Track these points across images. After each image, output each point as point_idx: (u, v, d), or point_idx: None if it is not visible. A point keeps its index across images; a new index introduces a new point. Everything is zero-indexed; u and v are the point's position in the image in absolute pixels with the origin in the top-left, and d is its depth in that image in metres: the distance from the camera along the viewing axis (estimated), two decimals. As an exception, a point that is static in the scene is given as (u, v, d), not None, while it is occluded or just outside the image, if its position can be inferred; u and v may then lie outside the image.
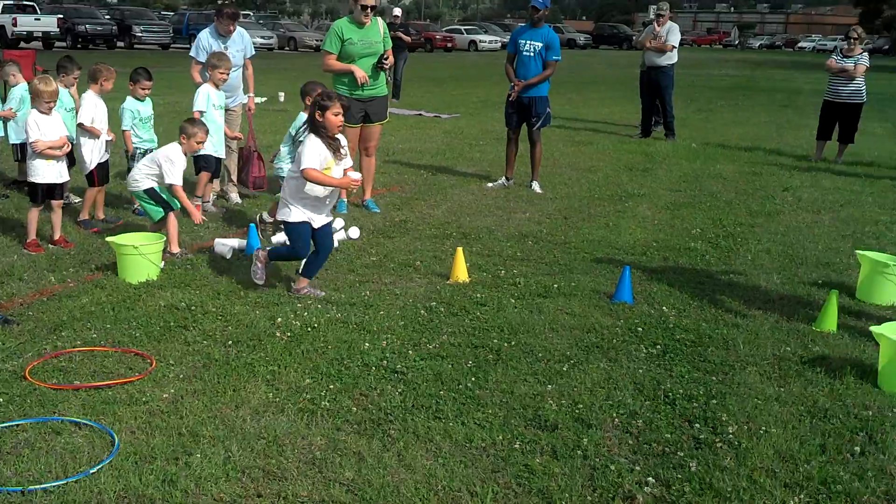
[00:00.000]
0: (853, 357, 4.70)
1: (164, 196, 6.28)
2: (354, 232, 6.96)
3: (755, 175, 10.40)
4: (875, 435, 3.80)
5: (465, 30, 58.21)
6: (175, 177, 6.17)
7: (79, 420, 3.74)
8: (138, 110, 7.30)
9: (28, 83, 7.10)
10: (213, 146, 7.34)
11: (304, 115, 6.58)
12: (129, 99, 7.31)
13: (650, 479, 3.38)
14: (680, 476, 3.41)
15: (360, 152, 8.01)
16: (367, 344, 4.68)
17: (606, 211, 8.26)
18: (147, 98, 7.40)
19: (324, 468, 3.42)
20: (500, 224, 7.64)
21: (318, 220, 5.42)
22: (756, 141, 13.60)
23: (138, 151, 7.25)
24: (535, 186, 9.23)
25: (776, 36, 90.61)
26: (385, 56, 7.68)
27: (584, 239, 7.13)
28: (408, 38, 18.81)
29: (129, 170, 7.12)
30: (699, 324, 5.17)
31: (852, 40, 11.40)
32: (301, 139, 5.47)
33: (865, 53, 11.48)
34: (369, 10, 7.56)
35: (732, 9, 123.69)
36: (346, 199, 8.05)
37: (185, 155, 6.34)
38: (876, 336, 4.39)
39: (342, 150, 5.39)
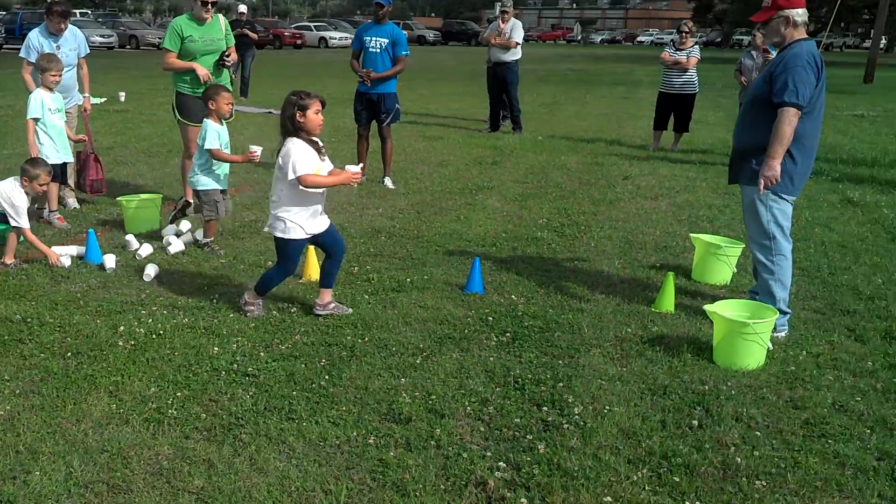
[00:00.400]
0: (690, 335, 4.97)
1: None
2: (202, 234, 6.78)
3: (597, 165, 10.81)
4: (711, 408, 4.03)
5: (314, 26, 57.68)
6: (21, 221, 5.88)
7: None
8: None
9: None
10: (57, 152, 7.00)
11: (209, 122, 6.38)
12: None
13: (501, 463, 3.47)
14: (529, 459, 3.52)
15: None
16: (216, 348, 4.58)
17: (458, 204, 8.39)
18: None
19: (172, 478, 3.33)
20: (352, 220, 7.62)
21: (319, 226, 5.10)
22: (598, 132, 14.13)
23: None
24: (388, 182, 9.27)
25: (616, 31, 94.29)
26: (227, 53, 7.52)
27: (436, 232, 7.22)
28: (254, 36, 18.44)
29: None
30: (546, 310, 5.33)
31: (684, 34, 12.02)
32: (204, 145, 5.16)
33: (697, 46, 12.12)
34: (209, 6, 7.37)
35: (575, 5, 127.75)
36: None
37: (28, 195, 5.99)
38: (709, 314, 4.65)
39: (324, 150, 5.03)
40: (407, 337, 4.85)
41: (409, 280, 5.86)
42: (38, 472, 3.32)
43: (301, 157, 4.81)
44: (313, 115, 4.86)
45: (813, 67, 4.69)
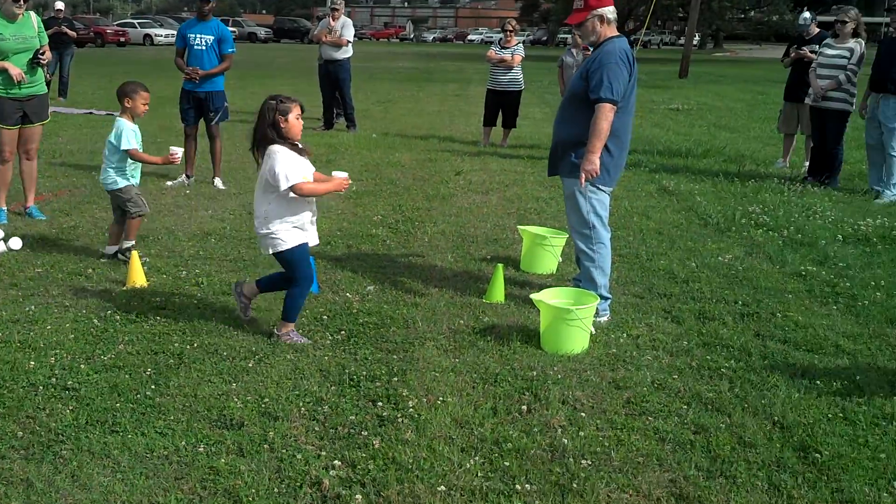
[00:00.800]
0: (519, 324, 5.13)
1: None
2: (16, 243, 6.39)
3: (430, 161, 10.95)
4: (539, 393, 4.17)
5: (138, 23, 55.37)
6: None
7: None
8: None
9: None
10: None
11: (123, 121, 6.05)
12: None
13: (336, 461, 3.47)
14: (365, 455, 3.53)
15: (19, 156, 7.35)
16: (32, 362, 4.32)
17: (290, 204, 8.27)
18: None
19: (-16, 502, 3.13)
20: (180, 223, 7.39)
21: (312, 239, 4.86)
22: (431, 130, 14.32)
23: None
24: (218, 183, 9.04)
25: (448, 29, 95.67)
26: (41, 51, 7.11)
27: (268, 233, 7.09)
28: (73, 34, 17.51)
29: None
30: (381, 306, 5.36)
31: (508, 32, 12.36)
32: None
33: (521, 44, 12.49)
34: (21, 2, 6.96)
35: (406, 3, 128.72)
36: (5, 208, 7.38)
37: None
38: (535, 302, 4.82)
39: (308, 155, 4.81)
40: (239, 341, 4.75)
41: (240, 282, 5.74)
42: None
43: (291, 166, 4.57)
44: (294, 120, 4.66)
45: (625, 63, 4.95)
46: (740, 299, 5.63)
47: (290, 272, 4.76)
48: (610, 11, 5.05)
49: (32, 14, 7.24)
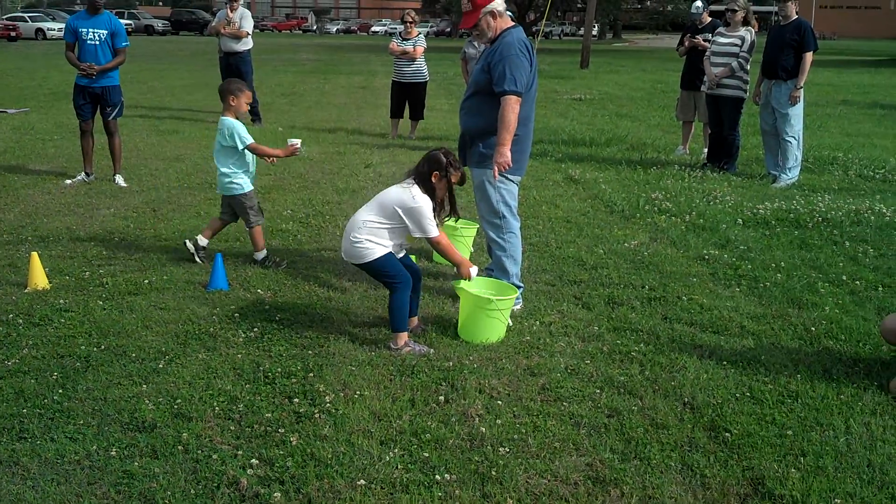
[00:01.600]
0: (434, 315, 5.16)
1: None
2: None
3: (339, 154, 10.89)
4: (456, 383, 4.21)
5: (29, 17, 53.22)
6: None
7: None
8: None
9: None
10: None
11: (230, 119, 5.77)
12: None
13: (254, 460, 3.43)
14: (283, 452, 3.51)
15: None
16: (-72, 371, 4.15)
17: (197, 200, 8.12)
18: None
19: None
20: (82, 223, 7.16)
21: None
22: (338, 122, 14.22)
23: None
24: (119, 180, 8.80)
25: (351, 21, 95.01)
26: None
27: (174, 230, 6.96)
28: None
29: None
30: (294, 302, 5.32)
31: (408, 24, 12.36)
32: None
33: (421, 35, 12.51)
34: None
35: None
36: None
37: None
38: (457, 290, 4.84)
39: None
40: (148, 341, 4.65)
41: (147, 281, 5.61)
42: None
43: (430, 218, 4.60)
44: (445, 186, 4.67)
45: (525, 54, 5.02)
46: (647, 284, 5.79)
47: (388, 278, 4.64)
48: (499, 4, 5.11)
49: None
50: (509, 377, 4.31)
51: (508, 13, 5.40)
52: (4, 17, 55.05)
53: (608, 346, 4.74)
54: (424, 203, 4.57)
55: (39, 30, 50.26)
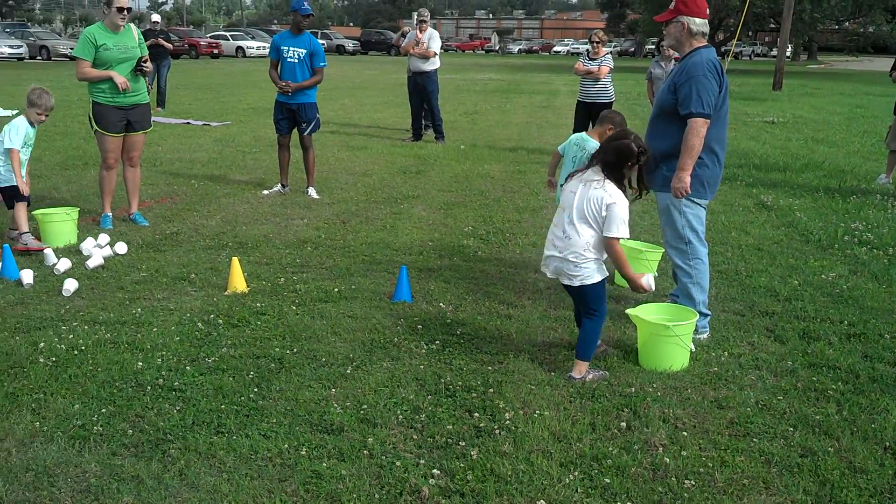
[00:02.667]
0: (616, 339, 5.06)
1: None
2: (121, 247, 6.63)
3: (520, 173, 10.94)
4: (639, 410, 4.10)
5: (231, 36, 56.97)
6: None
7: None
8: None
9: None
10: None
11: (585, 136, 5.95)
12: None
13: (435, 470, 3.48)
14: (463, 465, 3.53)
15: (123, 163, 7.66)
16: (140, 363, 4.47)
17: (383, 213, 8.38)
18: None
19: (100, 495, 3.24)
20: (277, 231, 7.55)
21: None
22: (519, 141, 14.30)
23: None
24: (312, 192, 9.21)
25: (533, 41, 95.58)
26: (144, 60, 7.39)
27: (362, 242, 7.20)
28: (169, 45, 18.07)
29: None
30: (475, 317, 5.37)
31: (595, 44, 12.26)
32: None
33: (609, 55, 12.37)
34: (125, 12, 7.27)
35: (492, 15, 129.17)
36: (111, 214, 7.67)
37: None
38: (632, 318, 4.75)
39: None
40: (336, 347, 4.82)
41: (336, 290, 5.83)
42: (-45, 497, 3.19)
43: (626, 218, 4.30)
44: (632, 174, 4.43)
45: (714, 75, 4.85)
46: (846, 319, 5.44)
47: (593, 306, 4.45)
48: (696, 23, 4.94)
49: (133, 26, 7.56)
50: (695, 408, 4.15)
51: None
52: (208, 35, 59.11)
53: (803, 382, 4.48)
54: (621, 200, 4.25)
55: (240, 48, 53.64)
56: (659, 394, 4.28)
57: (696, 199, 5.01)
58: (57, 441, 3.64)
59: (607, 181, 4.32)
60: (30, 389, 4.13)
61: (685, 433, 3.88)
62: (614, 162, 4.33)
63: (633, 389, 4.33)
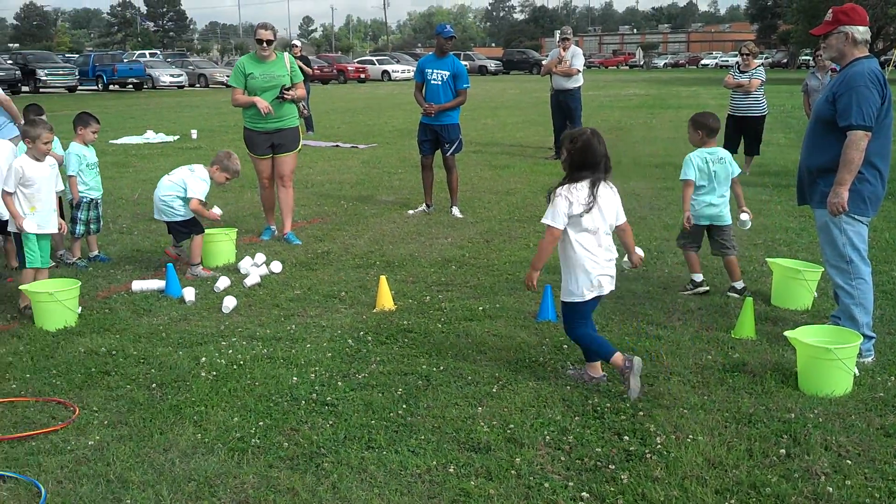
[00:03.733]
0: (773, 361, 4.86)
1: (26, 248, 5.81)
2: (276, 266, 6.90)
3: (667, 190, 10.68)
4: (799, 437, 3.92)
5: (377, 60, 58.59)
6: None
7: (2, 472, 3.61)
8: (85, 155, 7.13)
9: None
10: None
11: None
12: (75, 144, 7.10)
13: (584, 493, 3.43)
14: (613, 489, 3.47)
15: (276, 184, 8.03)
16: (294, 378, 4.64)
17: (527, 232, 8.37)
18: (91, 144, 7.25)
19: (258, 507, 3.37)
20: (422, 250, 7.67)
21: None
22: (666, 157, 13.97)
23: (84, 200, 7.11)
24: (455, 211, 9.32)
25: (679, 54, 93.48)
26: (287, 88, 7.74)
27: (506, 261, 7.21)
28: (309, 70, 18.72)
29: (73, 219, 7.04)
30: (622, 338, 5.27)
31: (745, 56, 11.88)
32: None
33: (760, 67, 11.95)
34: (265, 44, 7.74)
35: (636, 30, 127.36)
36: (272, 227, 8.12)
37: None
38: (791, 341, 4.54)
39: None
40: (482, 366, 4.84)
41: (481, 309, 5.86)
42: (128, 501, 3.39)
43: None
44: None
45: (876, 85, 4.61)
46: None
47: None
48: (860, 32, 4.72)
49: (286, 55, 7.98)
50: (860, 435, 3.92)
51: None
52: (355, 60, 60.99)
53: (982, 411, 4.15)
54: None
55: (385, 72, 55.06)
56: (820, 420, 4.08)
57: (856, 216, 4.76)
58: (217, 452, 3.82)
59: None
60: (192, 402, 4.35)
61: (849, 461, 3.67)
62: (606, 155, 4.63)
63: (793, 415, 4.13)
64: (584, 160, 4.48)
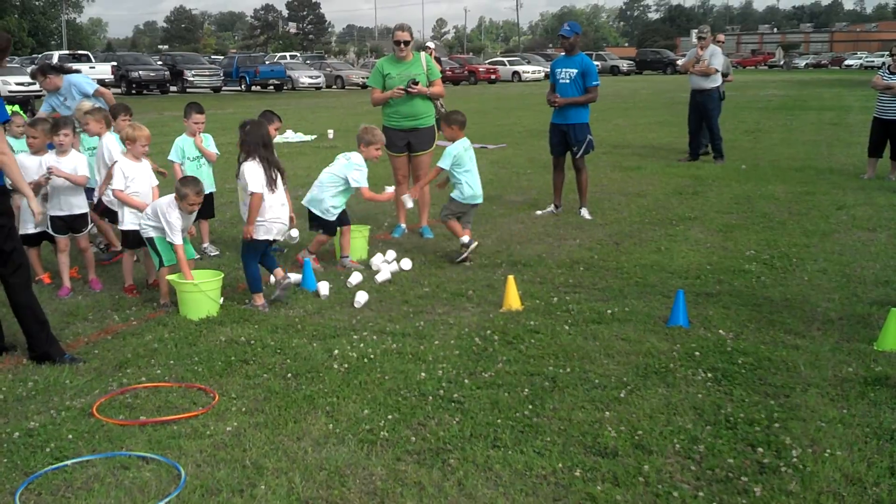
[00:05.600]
0: (911, 372, 4.61)
1: (159, 248, 6.10)
2: (406, 263, 7.02)
3: (808, 194, 10.27)
4: (948, 455, 3.71)
5: (507, 61, 58.61)
6: (175, 237, 5.92)
7: (146, 454, 3.82)
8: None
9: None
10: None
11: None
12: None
13: (714, 504, 3.34)
14: (745, 501, 3.37)
15: (412, 181, 8.24)
16: (423, 374, 4.71)
17: (657, 235, 8.22)
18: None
19: (385, 498, 3.44)
20: (550, 251, 7.64)
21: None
22: (807, 160, 13.44)
23: None
24: (584, 213, 9.24)
25: (822, 55, 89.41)
26: (415, 81, 7.88)
27: (636, 264, 7.10)
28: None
29: None
30: (758, 346, 5.10)
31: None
32: None
33: (913, 69, 11.32)
34: (402, 45, 8.04)
35: (776, 29, 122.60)
36: (402, 225, 8.28)
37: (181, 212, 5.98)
38: None
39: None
40: (609, 369, 4.78)
41: (609, 312, 5.79)
42: (262, 486, 3.53)
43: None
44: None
45: None
46: None
47: None
48: None
49: (423, 55, 8.19)
50: None
51: None
52: (486, 61, 61.21)
53: None
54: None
55: (516, 73, 54.99)
56: (973, 442, 3.84)
57: None
58: (347, 443, 3.92)
59: None
60: (324, 393, 4.48)
61: None
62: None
63: (942, 434, 3.91)
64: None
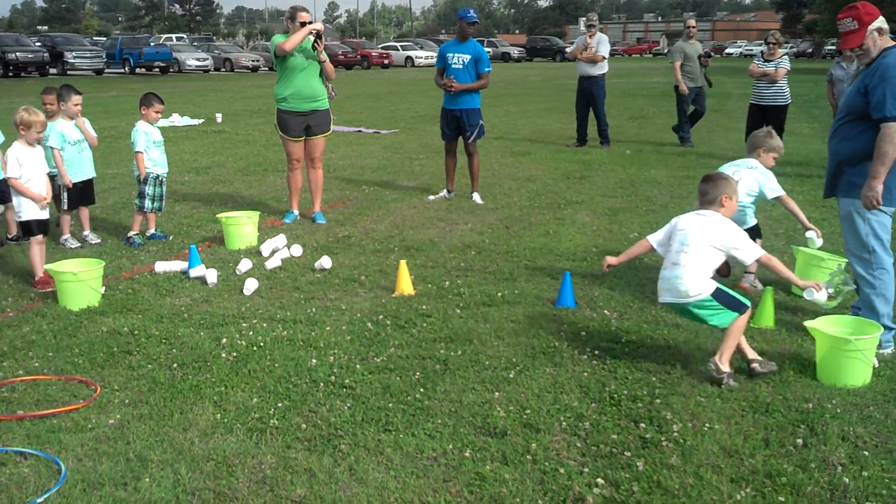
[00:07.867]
0: (792, 351, 4.84)
1: None
2: (297, 250, 6.95)
3: (688, 178, 10.62)
4: (816, 427, 3.91)
5: (401, 46, 58.51)
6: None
7: (23, 450, 3.67)
8: (150, 133, 7.36)
9: None
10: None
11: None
12: (142, 122, 7.37)
13: (599, 479, 3.44)
14: (628, 476, 3.48)
15: (306, 165, 8.16)
16: (314, 360, 4.68)
17: (546, 219, 8.37)
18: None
19: (275, 486, 3.41)
20: (442, 236, 7.68)
21: None
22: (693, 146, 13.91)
23: (150, 175, 7.32)
24: (476, 197, 9.32)
25: (704, 43, 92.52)
26: (319, 35, 7.84)
27: (525, 247, 7.21)
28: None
29: (140, 194, 7.31)
30: (640, 325, 5.27)
31: (771, 45, 11.79)
32: None
33: (786, 57, 11.85)
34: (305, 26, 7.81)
35: (660, 18, 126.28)
36: (295, 211, 8.17)
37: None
38: (811, 331, 4.53)
39: None
40: (499, 351, 4.86)
41: (499, 294, 5.87)
42: (147, 479, 3.44)
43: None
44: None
45: None
46: None
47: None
48: (882, 21, 4.71)
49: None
50: (877, 426, 3.91)
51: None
52: (379, 46, 60.94)
53: None
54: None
55: (409, 58, 54.98)
56: (838, 410, 4.07)
57: (882, 207, 4.72)
58: (236, 433, 3.86)
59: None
60: (212, 383, 4.40)
61: (866, 452, 3.66)
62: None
63: (811, 405, 4.12)
64: None
